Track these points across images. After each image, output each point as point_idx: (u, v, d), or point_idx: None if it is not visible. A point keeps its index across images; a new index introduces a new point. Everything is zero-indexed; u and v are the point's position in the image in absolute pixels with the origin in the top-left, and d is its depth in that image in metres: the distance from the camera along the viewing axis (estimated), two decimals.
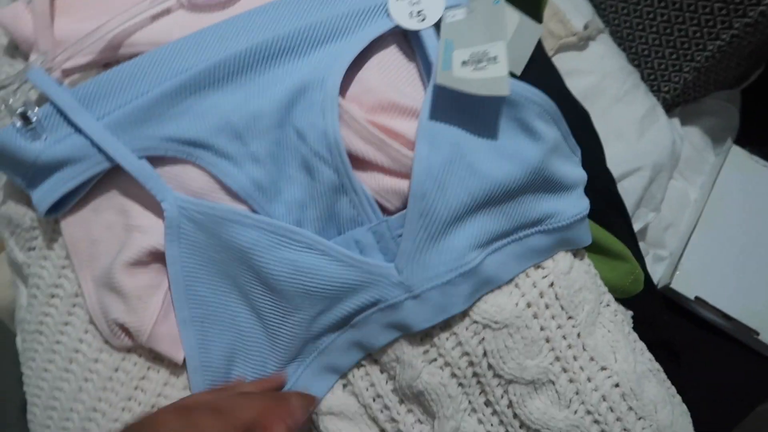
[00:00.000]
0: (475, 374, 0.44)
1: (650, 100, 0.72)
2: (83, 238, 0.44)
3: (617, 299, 0.50)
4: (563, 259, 0.46)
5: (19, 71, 0.41)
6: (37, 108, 0.40)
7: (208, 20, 0.44)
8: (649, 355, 0.48)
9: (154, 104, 0.41)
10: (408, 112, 0.42)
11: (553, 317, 0.44)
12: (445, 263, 0.41)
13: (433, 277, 0.41)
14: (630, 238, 0.56)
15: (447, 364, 0.44)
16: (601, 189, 0.54)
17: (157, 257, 0.43)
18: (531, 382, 0.43)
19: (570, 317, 0.44)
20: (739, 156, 0.79)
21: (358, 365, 0.46)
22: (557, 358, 0.44)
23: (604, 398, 0.44)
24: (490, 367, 0.43)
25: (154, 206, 0.43)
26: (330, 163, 0.41)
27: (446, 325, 0.43)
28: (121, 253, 0.42)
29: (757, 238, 0.75)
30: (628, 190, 0.66)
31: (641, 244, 0.71)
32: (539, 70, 0.53)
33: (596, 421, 0.43)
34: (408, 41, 0.44)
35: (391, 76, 0.44)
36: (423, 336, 0.44)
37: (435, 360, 0.44)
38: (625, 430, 0.44)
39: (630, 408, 0.44)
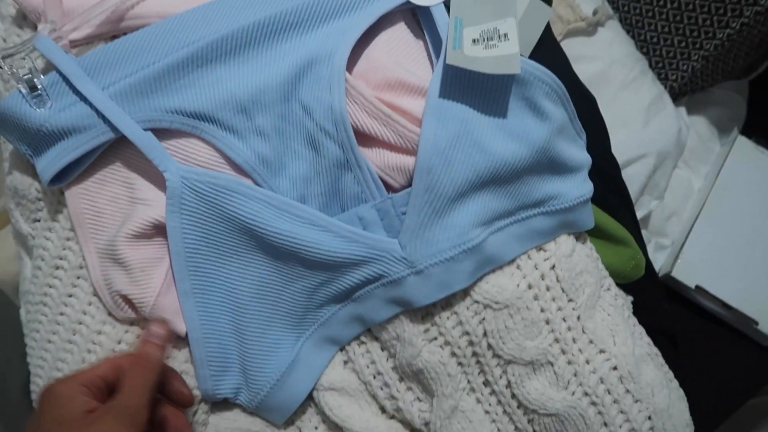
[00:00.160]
0: (474, 354, 0.44)
1: (657, 87, 0.72)
2: (88, 209, 0.44)
3: (618, 284, 0.50)
4: (565, 242, 0.46)
5: (26, 39, 0.41)
6: (42, 76, 0.40)
7: None
8: (647, 339, 0.49)
9: (159, 76, 0.40)
10: (415, 90, 0.42)
11: (553, 299, 0.44)
12: (448, 239, 0.41)
13: (436, 253, 0.41)
14: (633, 225, 0.56)
15: (447, 343, 0.44)
16: (605, 175, 0.54)
17: (161, 230, 0.43)
18: (530, 363, 0.44)
19: (570, 300, 0.45)
20: (744, 146, 0.79)
21: (360, 343, 0.46)
22: (556, 340, 0.44)
23: (601, 380, 0.44)
24: (489, 347, 0.44)
25: (159, 180, 0.43)
26: (335, 138, 0.41)
27: (447, 304, 0.43)
28: (125, 224, 0.42)
29: (760, 229, 0.75)
30: (631, 177, 0.66)
31: (643, 232, 0.71)
32: (547, 54, 0.52)
33: (593, 403, 0.44)
34: (416, 18, 0.44)
35: (399, 53, 0.44)
36: (424, 314, 0.44)
37: (435, 339, 0.44)
38: (621, 412, 0.44)
39: (627, 391, 0.44)
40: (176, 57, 0.40)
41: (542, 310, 0.44)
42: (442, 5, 0.42)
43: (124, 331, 0.45)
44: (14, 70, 0.40)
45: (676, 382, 0.48)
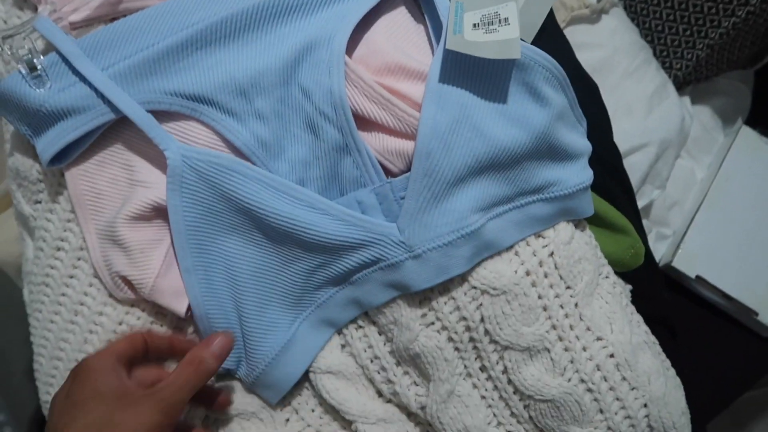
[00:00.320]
0: (471, 339, 0.44)
1: (661, 76, 0.71)
2: (88, 191, 0.44)
3: (618, 273, 0.50)
4: (564, 229, 0.46)
5: (26, 20, 0.41)
6: (42, 57, 0.40)
7: None
8: (645, 327, 0.49)
9: (159, 58, 0.41)
10: (415, 75, 0.42)
11: (551, 286, 0.44)
12: (446, 224, 0.41)
13: (435, 238, 0.42)
14: (633, 214, 0.56)
15: (444, 328, 0.44)
16: (606, 163, 0.54)
17: (160, 212, 0.43)
18: (526, 349, 0.44)
19: (568, 287, 0.45)
20: (748, 137, 0.78)
21: (357, 327, 0.46)
22: (553, 327, 0.44)
23: (598, 368, 0.44)
24: (486, 332, 0.44)
25: (159, 162, 0.43)
26: (334, 122, 0.41)
27: (445, 289, 0.44)
28: (124, 206, 0.43)
29: (762, 220, 0.74)
30: (634, 166, 0.66)
31: (645, 222, 0.71)
32: (549, 40, 0.52)
33: (589, 390, 0.44)
34: (416, 3, 0.44)
35: (399, 38, 0.43)
36: (421, 299, 0.44)
37: (432, 323, 0.44)
38: (617, 399, 0.44)
39: (623, 378, 0.44)
40: (176, 39, 0.40)
41: (540, 297, 0.44)
42: None
43: (125, 313, 0.45)
44: (14, 50, 0.40)
45: (673, 371, 0.48)
